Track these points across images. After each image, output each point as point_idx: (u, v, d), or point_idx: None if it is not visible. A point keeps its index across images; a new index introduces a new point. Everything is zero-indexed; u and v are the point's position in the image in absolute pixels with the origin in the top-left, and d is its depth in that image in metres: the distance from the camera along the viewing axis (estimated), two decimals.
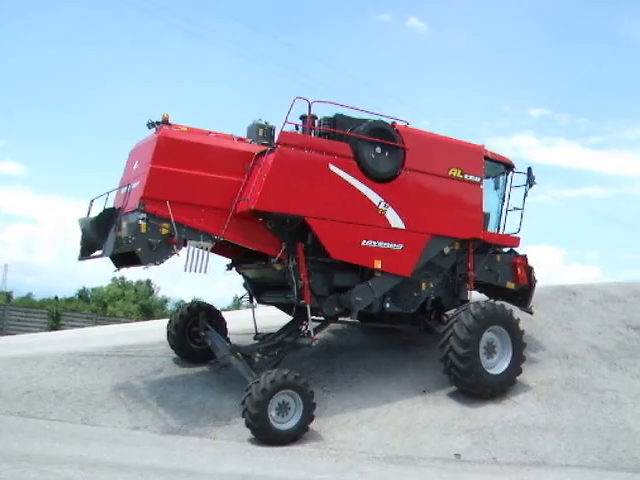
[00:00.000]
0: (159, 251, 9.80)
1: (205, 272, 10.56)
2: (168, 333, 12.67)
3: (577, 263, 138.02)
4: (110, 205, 10.86)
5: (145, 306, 67.60)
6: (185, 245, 10.11)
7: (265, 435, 9.76)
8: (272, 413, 9.70)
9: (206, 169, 10.29)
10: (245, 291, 12.72)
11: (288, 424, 9.91)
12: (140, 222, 9.58)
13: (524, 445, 10.51)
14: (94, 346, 13.72)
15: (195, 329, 12.46)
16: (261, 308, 13.81)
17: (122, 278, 68.53)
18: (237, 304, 77.75)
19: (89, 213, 11.18)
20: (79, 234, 10.93)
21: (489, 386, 11.57)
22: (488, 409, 11.45)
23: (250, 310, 13.03)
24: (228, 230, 10.28)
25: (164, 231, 9.77)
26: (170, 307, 71.59)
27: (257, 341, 12.20)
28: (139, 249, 9.61)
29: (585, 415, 11.50)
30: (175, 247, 9.92)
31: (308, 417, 10.08)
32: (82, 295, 72.91)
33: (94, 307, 63.69)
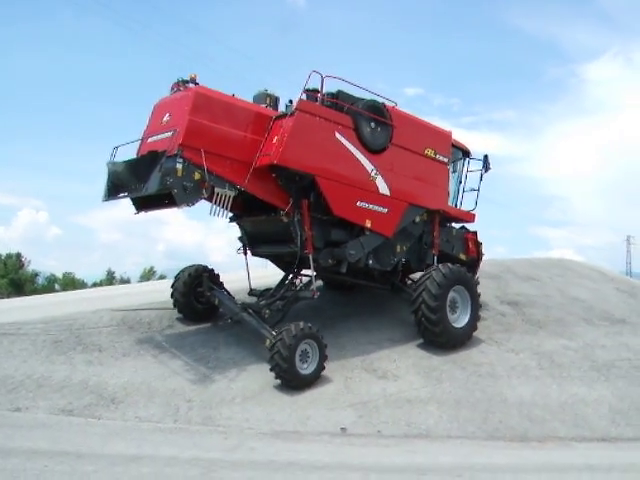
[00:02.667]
0: (191, 194, 11.15)
1: (226, 217, 12.84)
2: (174, 293, 14.01)
3: None
4: (133, 154, 12.22)
5: (15, 280, 65.84)
6: (212, 192, 11.39)
7: (291, 378, 11.27)
8: (297, 359, 11.32)
9: (234, 126, 11.86)
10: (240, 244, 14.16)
11: (308, 369, 11.57)
12: (177, 166, 10.87)
13: (407, 418, 10.98)
14: None
15: (200, 289, 13.88)
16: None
17: None
18: (110, 279, 75.68)
19: (113, 158, 12.24)
20: (106, 176, 12.10)
21: (452, 337, 13.60)
22: (371, 383, 11.92)
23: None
24: (249, 182, 11.81)
25: (197, 176, 11.13)
26: (41, 281, 68.94)
27: (255, 297, 13.96)
28: (175, 190, 10.90)
29: (464, 388, 12.19)
30: (204, 191, 11.27)
31: (321, 364, 11.78)
32: None
33: None
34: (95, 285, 68.51)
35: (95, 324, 12.89)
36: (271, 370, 11.28)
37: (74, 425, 9.52)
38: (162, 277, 70.11)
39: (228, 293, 13.95)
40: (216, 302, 13.66)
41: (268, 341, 11.58)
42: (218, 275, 14.45)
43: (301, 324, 11.52)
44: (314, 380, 11.60)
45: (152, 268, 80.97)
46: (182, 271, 14.26)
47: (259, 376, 11.67)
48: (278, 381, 11.44)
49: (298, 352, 11.32)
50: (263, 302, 13.11)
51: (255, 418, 10.40)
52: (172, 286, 14.17)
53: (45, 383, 10.85)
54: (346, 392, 11.50)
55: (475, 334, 14.32)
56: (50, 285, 67.75)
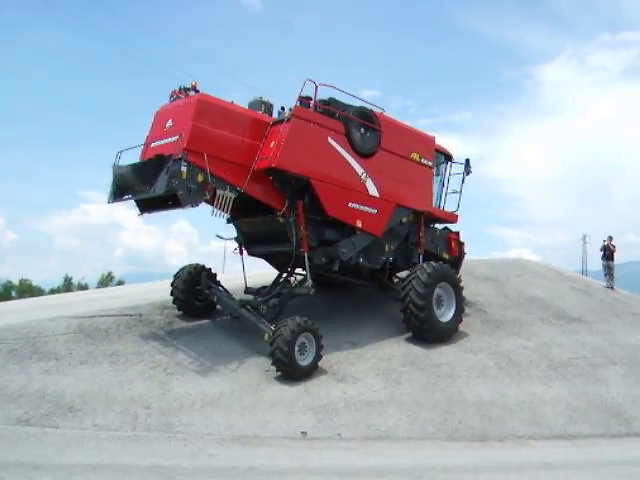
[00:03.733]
0: (195, 195, 11.84)
1: (225, 218, 13.58)
2: (174, 291, 14.50)
3: None
4: (136, 159, 12.91)
5: None
6: (214, 194, 12.07)
7: (290, 369, 12.01)
8: (296, 352, 12.07)
9: (234, 131, 12.66)
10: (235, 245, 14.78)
11: (305, 361, 12.26)
12: (182, 169, 11.52)
13: (367, 420, 11.14)
14: None
15: (198, 287, 14.46)
16: None
17: None
18: (67, 285, 74.53)
19: (118, 161, 12.81)
20: (112, 179, 12.69)
21: (440, 331, 14.51)
22: (330, 387, 12.02)
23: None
24: (248, 184, 12.52)
25: (200, 179, 11.81)
26: None
27: (252, 295, 14.53)
28: (180, 192, 11.56)
29: (423, 389, 12.40)
30: (207, 193, 11.98)
31: (318, 356, 12.50)
32: None
33: None
34: (52, 292, 67.43)
35: (52, 332, 12.70)
36: (273, 364, 12.01)
37: (31, 435, 9.40)
38: (120, 283, 69.24)
39: (226, 291, 14.53)
40: (215, 299, 14.39)
41: (267, 335, 12.32)
42: (215, 274, 14.98)
43: (297, 319, 12.19)
44: (312, 370, 12.36)
45: (110, 273, 79.84)
46: (181, 269, 14.76)
47: (218, 381, 11.68)
48: (237, 386, 11.47)
49: (297, 346, 12.07)
50: (260, 299, 13.86)
51: (215, 424, 10.40)
52: (172, 284, 14.60)
53: (1, 393, 10.68)
54: (306, 396, 11.55)
55: None
56: (6, 292, 66.48)
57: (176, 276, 14.68)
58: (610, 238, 24.75)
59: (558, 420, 12.12)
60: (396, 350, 13.74)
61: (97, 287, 65.00)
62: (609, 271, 24.13)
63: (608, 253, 24.50)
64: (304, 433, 10.43)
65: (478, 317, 16.67)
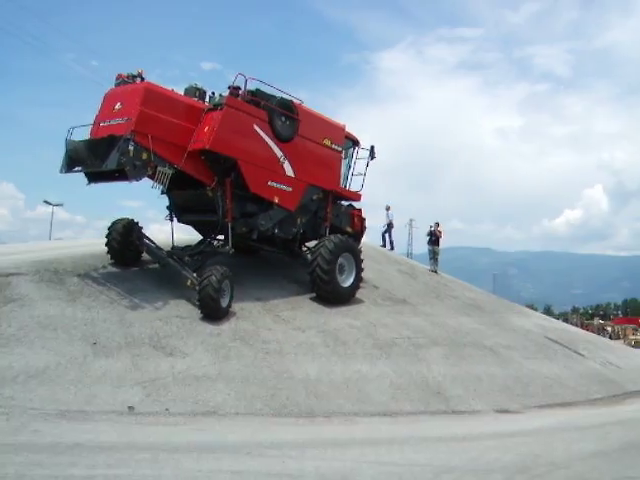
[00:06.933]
0: (140, 171, 13.90)
1: (162, 192, 15.85)
2: (110, 242, 16.21)
3: None
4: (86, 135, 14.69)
5: None
6: (155, 170, 14.11)
7: (216, 311, 14.22)
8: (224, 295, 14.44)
9: (174, 116, 14.73)
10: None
11: (224, 303, 14.48)
12: (130, 147, 13.47)
13: (195, 395, 11.29)
14: None
15: (131, 239, 16.26)
16: None
17: None
18: None
19: (70, 136, 14.49)
20: (65, 152, 14.37)
21: (341, 294, 17.35)
22: (159, 361, 12.04)
23: None
24: (185, 162, 14.64)
25: (144, 157, 13.81)
26: None
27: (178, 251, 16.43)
28: (127, 167, 13.52)
29: (252, 365, 12.73)
30: (149, 169, 14.03)
31: (232, 299, 14.78)
32: None
33: None
34: None
35: None
36: (200, 306, 14.12)
37: None
38: None
39: (155, 244, 16.39)
40: (145, 250, 16.41)
41: (190, 281, 14.64)
42: (142, 228, 16.74)
43: (220, 267, 14.55)
44: (227, 312, 14.56)
45: None
46: (114, 223, 16.62)
47: (43, 353, 11.30)
48: (62, 359, 11.20)
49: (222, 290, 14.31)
50: (185, 252, 16.19)
51: (39, 398, 10.08)
52: (107, 236, 16.32)
53: None
54: (134, 370, 11.46)
55: (263, 312, 15.32)
56: None
57: (111, 229, 16.40)
58: (437, 224, 26.26)
59: (382, 397, 12.80)
60: (225, 326, 13.93)
61: None
62: (434, 255, 25.62)
63: (434, 238, 25.97)
64: (131, 408, 10.37)
65: (308, 296, 17.23)
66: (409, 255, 62.84)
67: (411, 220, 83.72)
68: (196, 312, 14.13)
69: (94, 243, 17.81)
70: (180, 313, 14.09)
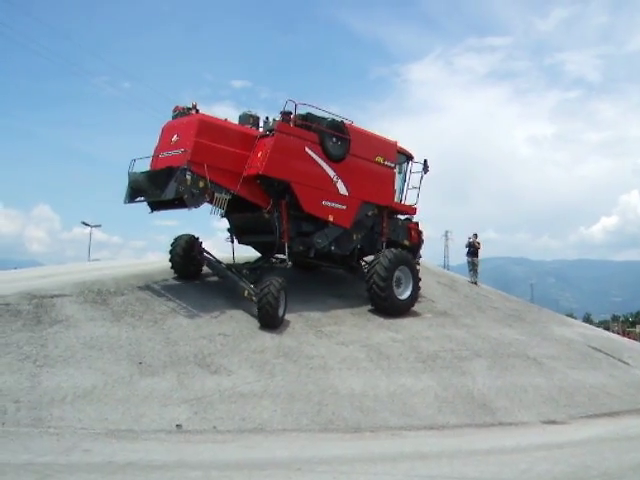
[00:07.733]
0: (198, 198, 14.82)
1: (222, 215, 16.48)
2: (174, 257, 17.41)
3: None
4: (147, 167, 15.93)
5: None
6: (213, 196, 15.05)
7: (274, 319, 14.95)
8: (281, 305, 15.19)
9: (228, 144, 15.62)
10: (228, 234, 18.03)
11: (281, 312, 15.22)
12: (187, 177, 14.44)
13: (242, 412, 11.31)
14: None
15: (192, 254, 17.41)
16: None
17: None
18: None
19: (132, 168, 15.95)
20: (128, 184, 15.68)
21: (398, 307, 17.83)
22: (205, 379, 12.11)
23: None
24: (240, 187, 15.49)
25: (201, 185, 14.74)
26: None
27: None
28: (186, 195, 14.46)
29: (297, 381, 12.73)
30: (207, 196, 14.99)
31: (285, 309, 15.49)
32: None
33: None
34: None
35: None
36: (258, 314, 14.81)
37: None
38: None
39: (214, 258, 17.57)
40: (205, 264, 17.53)
41: (246, 292, 15.48)
42: (202, 243, 17.77)
43: (279, 278, 15.25)
44: (282, 323, 15.20)
45: None
46: (177, 239, 17.69)
47: (89, 373, 11.42)
48: (110, 378, 11.32)
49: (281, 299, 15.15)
50: (244, 267, 17.32)
51: (88, 417, 10.19)
52: (170, 251, 17.45)
53: None
54: (180, 388, 11.55)
55: (305, 327, 15.38)
56: None
57: (174, 245, 17.52)
58: (475, 235, 26.16)
59: (428, 411, 12.75)
60: (269, 342, 13.99)
61: None
62: (473, 267, 25.53)
63: (473, 250, 25.89)
64: (179, 426, 10.46)
65: (350, 310, 17.32)
66: (446, 267, 62.60)
67: (447, 232, 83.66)
68: (239, 330, 14.25)
69: (133, 264, 18.30)
70: (224, 331, 14.19)
